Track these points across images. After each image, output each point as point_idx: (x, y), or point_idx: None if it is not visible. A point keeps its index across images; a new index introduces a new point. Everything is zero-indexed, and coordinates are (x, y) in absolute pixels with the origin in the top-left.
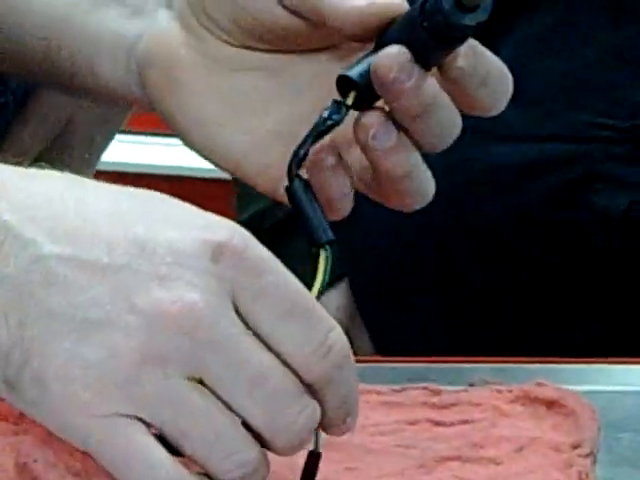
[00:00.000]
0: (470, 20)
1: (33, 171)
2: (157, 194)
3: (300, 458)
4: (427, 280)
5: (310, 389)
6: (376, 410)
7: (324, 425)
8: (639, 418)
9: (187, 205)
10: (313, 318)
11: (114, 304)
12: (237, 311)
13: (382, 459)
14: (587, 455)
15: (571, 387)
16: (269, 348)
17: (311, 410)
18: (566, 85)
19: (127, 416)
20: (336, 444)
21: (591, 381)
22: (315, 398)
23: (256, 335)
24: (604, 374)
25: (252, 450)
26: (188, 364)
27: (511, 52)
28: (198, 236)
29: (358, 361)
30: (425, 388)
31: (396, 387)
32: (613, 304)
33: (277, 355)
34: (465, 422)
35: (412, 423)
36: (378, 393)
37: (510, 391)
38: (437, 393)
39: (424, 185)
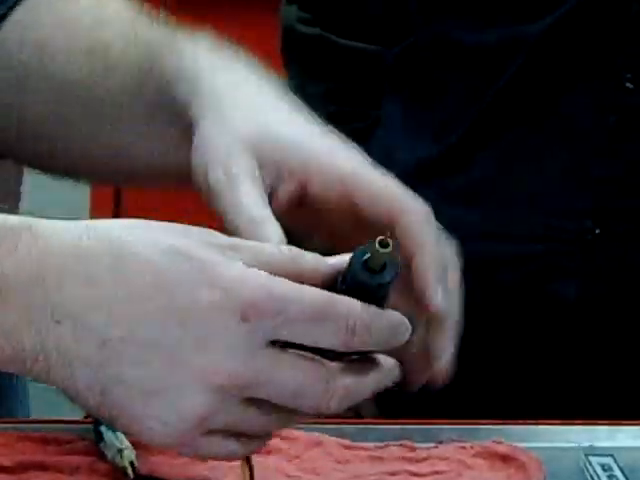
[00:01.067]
0: (376, 280)
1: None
2: (179, 230)
3: None
4: None
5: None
6: (364, 463)
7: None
8: (577, 470)
9: (204, 253)
10: (333, 314)
11: (170, 375)
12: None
13: None
14: None
15: (521, 444)
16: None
17: (341, 391)
18: (528, 194)
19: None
20: None
21: (537, 439)
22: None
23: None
24: (548, 432)
25: None
26: (242, 398)
27: (488, 166)
28: (224, 302)
29: (353, 423)
30: (402, 445)
31: (379, 444)
32: (566, 372)
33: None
34: (436, 473)
35: (393, 474)
36: (365, 449)
37: (472, 447)
38: (412, 449)
39: None
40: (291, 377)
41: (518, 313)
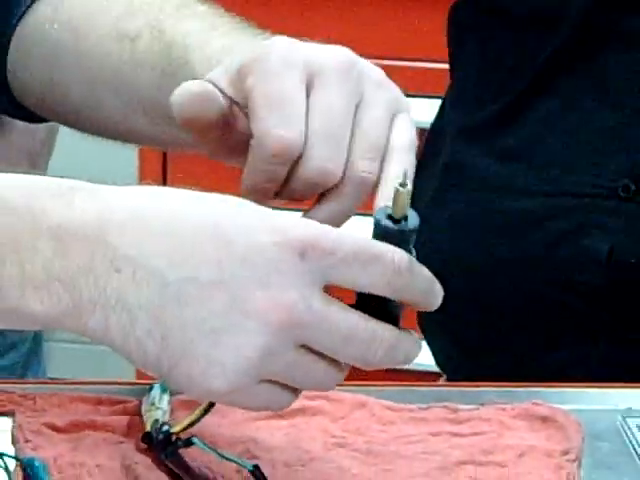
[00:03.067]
0: (400, 227)
1: (125, 192)
2: (231, 199)
3: None
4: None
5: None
6: (407, 424)
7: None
8: (614, 431)
9: (259, 208)
10: (380, 254)
11: (231, 314)
12: (327, 286)
13: (411, 463)
14: (574, 460)
15: (561, 406)
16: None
17: (387, 343)
18: (567, 155)
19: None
20: (375, 452)
21: (575, 401)
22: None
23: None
24: (586, 395)
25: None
26: (296, 343)
27: (526, 130)
28: (285, 241)
29: (396, 385)
30: (445, 407)
31: (422, 406)
32: (597, 332)
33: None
34: (477, 434)
35: (435, 434)
36: (408, 410)
37: (512, 409)
38: (455, 411)
39: None
40: (343, 320)
41: (550, 269)
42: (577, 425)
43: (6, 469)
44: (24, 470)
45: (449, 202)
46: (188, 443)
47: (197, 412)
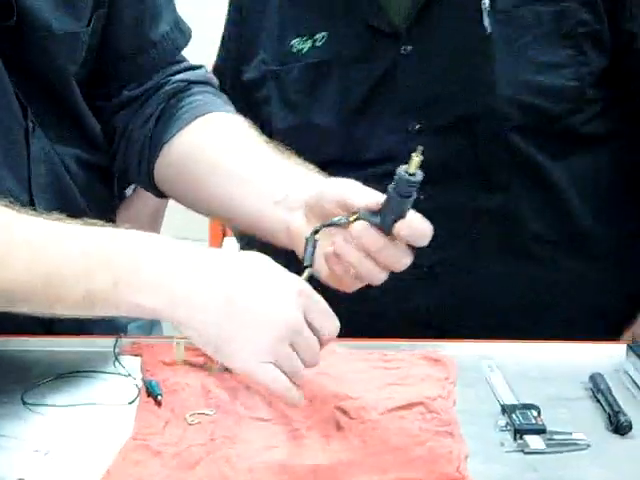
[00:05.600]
0: (414, 178)
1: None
2: (254, 261)
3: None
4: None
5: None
6: (357, 361)
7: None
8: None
9: (273, 267)
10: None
11: (252, 324)
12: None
13: (357, 383)
14: (452, 383)
15: (442, 351)
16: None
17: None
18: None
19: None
20: (335, 375)
21: (450, 349)
22: None
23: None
24: (460, 346)
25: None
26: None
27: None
28: (290, 287)
29: (353, 340)
30: (380, 353)
31: (369, 351)
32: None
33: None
34: (398, 368)
35: (374, 368)
36: (363, 354)
37: (418, 354)
38: (385, 355)
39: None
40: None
41: None
42: (453, 363)
43: (136, 385)
44: (146, 386)
45: None
46: None
47: None
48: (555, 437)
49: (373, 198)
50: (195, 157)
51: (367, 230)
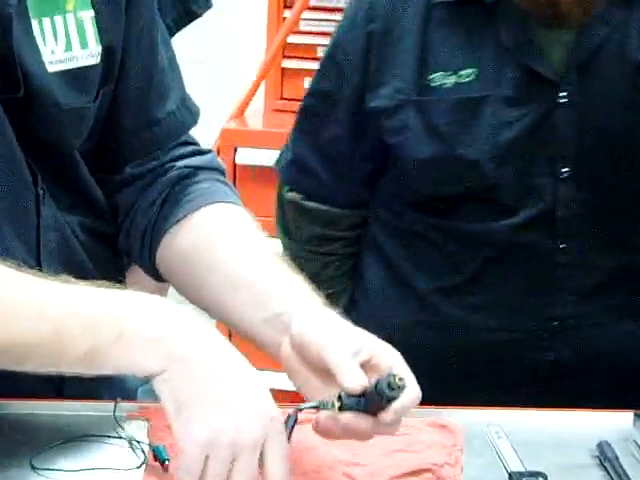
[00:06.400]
0: (395, 394)
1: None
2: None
3: None
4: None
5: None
6: None
7: None
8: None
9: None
10: None
11: (222, 409)
12: None
13: (371, 447)
14: (459, 449)
15: (450, 418)
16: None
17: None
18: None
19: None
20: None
21: (458, 417)
22: None
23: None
24: (466, 413)
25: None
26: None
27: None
28: (267, 409)
29: None
30: None
31: None
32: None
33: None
34: (406, 434)
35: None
36: None
37: (425, 421)
38: None
39: None
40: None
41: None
42: (460, 430)
43: (142, 451)
44: (153, 451)
45: None
46: None
47: None
48: None
49: (351, 376)
50: (197, 256)
51: (355, 419)
